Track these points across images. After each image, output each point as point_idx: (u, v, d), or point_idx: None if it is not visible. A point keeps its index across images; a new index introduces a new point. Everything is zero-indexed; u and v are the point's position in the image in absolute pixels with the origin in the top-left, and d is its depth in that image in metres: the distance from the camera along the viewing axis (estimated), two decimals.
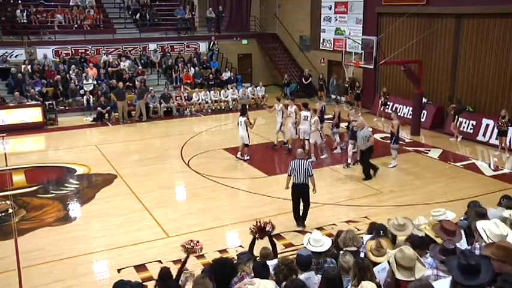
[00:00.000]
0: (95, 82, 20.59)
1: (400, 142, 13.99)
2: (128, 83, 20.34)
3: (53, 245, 9.00)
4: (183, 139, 16.28)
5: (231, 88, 21.81)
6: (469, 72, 16.76)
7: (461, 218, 6.16)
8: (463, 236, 5.18)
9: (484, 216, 5.62)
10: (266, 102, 21.83)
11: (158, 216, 10.21)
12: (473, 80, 16.63)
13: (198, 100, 20.91)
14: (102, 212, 10.51)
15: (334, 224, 9.68)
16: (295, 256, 4.93)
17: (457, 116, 16.14)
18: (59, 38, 22.05)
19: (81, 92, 20.09)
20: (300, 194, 9.54)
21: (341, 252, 5.11)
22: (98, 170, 13.31)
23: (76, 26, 22.86)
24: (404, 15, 17.29)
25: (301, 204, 9.67)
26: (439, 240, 4.97)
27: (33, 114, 18.07)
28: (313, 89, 23.56)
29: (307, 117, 13.61)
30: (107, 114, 19.15)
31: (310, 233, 5.63)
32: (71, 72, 20.71)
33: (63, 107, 19.65)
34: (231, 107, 21.10)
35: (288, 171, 9.51)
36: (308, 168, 9.32)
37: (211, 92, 21.36)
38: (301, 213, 9.70)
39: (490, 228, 4.58)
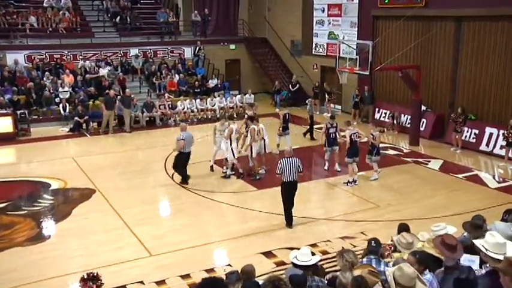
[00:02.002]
0: (72, 90, 20.52)
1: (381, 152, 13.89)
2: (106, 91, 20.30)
3: (25, 267, 8.88)
4: (167, 150, 16.18)
5: (218, 96, 21.87)
6: (470, 78, 16.98)
7: (464, 234, 6.21)
8: (477, 260, 5.19)
9: (480, 227, 5.71)
10: (255, 111, 21.88)
11: (140, 234, 10.15)
12: (475, 86, 16.85)
13: (183, 109, 20.93)
14: (79, 230, 10.42)
15: (328, 241, 9.71)
16: (283, 273, 4.98)
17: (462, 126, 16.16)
18: (32, 42, 21.99)
19: (57, 100, 20.01)
20: (293, 191, 10.22)
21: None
22: (74, 184, 13.22)
23: (51, 29, 22.82)
24: (401, 18, 17.51)
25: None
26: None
27: (3, 124, 17.86)
28: (302, 96, 23.74)
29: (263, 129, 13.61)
30: (84, 124, 19.08)
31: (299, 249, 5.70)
32: (45, 79, 20.65)
33: (36, 117, 19.54)
34: (218, 116, 21.14)
35: (277, 170, 10.15)
36: (299, 165, 10.14)
37: (197, 100, 21.40)
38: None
39: (486, 240, 4.68)
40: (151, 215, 11.37)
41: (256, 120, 13.96)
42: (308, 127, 17.86)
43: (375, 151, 13.22)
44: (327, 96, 21.93)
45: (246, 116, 15.12)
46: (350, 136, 12.80)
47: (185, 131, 13.29)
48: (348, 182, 12.96)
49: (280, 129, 15.60)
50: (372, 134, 13.24)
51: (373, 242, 5.79)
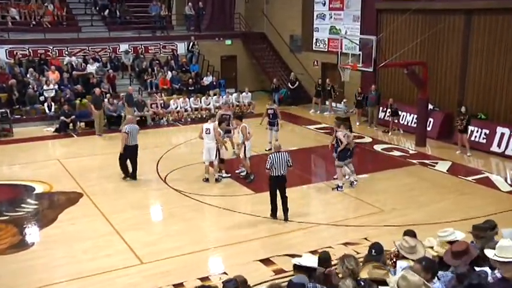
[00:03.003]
0: (57, 87, 20.49)
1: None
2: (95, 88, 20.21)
3: (7, 276, 8.83)
4: (159, 152, 16.23)
5: (214, 94, 21.87)
6: (480, 75, 17.02)
7: (472, 242, 6.20)
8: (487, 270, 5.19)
9: (485, 230, 5.74)
10: (253, 110, 21.98)
11: (130, 240, 10.12)
12: (485, 83, 16.89)
13: (176, 108, 20.93)
14: (65, 236, 10.39)
15: (330, 247, 9.67)
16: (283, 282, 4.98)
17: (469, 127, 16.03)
18: (14, 36, 21.95)
19: (41, 98, 20.00)
20: (279, 185, 10.83)
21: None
22: (60, 187, 13.18)
23: (34, 23, 22.82)
24: (407, 11, 17.56)
25: (280, 199, 10.89)
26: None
27: None
28: (303, 94, 23.77)
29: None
30: (71, 124, 19.05)
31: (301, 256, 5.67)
32: (28, 75, 20.63)
33: (19, 116, 19.53)
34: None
35: (267, 165, 10.73)
36: (288, 160, 10.80)
37: (191, 98, 21.40)
38: (282, 209, 10.93)
39: (497, 246, 4.71)
40: (142, 220, 11.34)
41: (240, 120, 14.01)
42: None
43: (348, 153, 12.75)
44: (333, 94, 21.85)
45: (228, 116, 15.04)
46: (343, 138, 12.52)
47: (131, 123, 13.68)
48: (338, 187, 12.80)
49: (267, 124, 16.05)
50: (337, 135, 12.83)
51: (373, 250, 5.72)
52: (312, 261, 5.39)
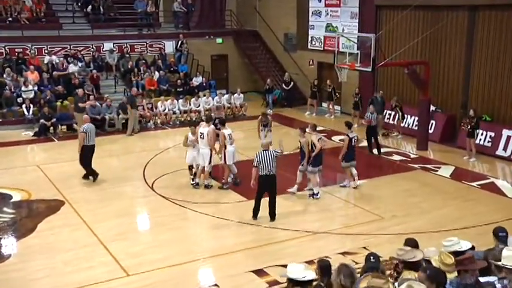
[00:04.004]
0: (36, 88, 20.44)
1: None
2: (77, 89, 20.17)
3: None
4: (146, 157, 16.21)
5: (204, 96, 21.87)
6: (485, 74, 17.13)
7: (478, 251, 6.22)
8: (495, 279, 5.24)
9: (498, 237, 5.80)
10: (245, 112, 21.99)
11: (115, 251, 10.10)
12: (490, 83, 17.00)
13: (163, 110, 20.91)
14: (44, 247, 10.33)
15: (327, 257, 9.68)
16: None
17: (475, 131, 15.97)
18: None
19: (19, 100, 19.93)
20: (269, 185, 11.17)
21: None
22: (40, 195, 13.13)
23: (10, 19, 22.75)
24: (408, 7, 17.62)
25: (269, 198, 11.30)
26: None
27: None
28: (297, 95, 23.83)
29: (231, 135, 13.45)
30: (51, 128, 18.99)
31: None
32: (5, 76, 20.58)
33: None
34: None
35: (254, 163, 11.13)
36: (276, 156, 11.24)
37: (180, 100, 21.40)
38: (269, 212, 11.32)
39: (504, 255, 4.75)
40: (128, 229, 11.31)
41: (223, 124, 13.97)
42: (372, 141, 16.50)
43: (311, 160, 12.61)
44: (334, 96, 21.75)
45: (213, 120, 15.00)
46: (318, 142, 12.51)
47: (88, 122, 14.12)
48: (313, 194, 12.77)
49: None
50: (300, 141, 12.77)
51: (372, 257, 5.81)
52: (299, 271, 5.37)
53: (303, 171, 12.83)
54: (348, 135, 13.32)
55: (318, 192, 12.77)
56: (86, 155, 13.88)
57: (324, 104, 22.60)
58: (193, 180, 13.62)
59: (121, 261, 9.69)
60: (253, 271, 9.22)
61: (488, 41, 16.92)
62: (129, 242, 10.59)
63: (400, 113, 18.60)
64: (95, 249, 10.24)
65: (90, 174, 13.98)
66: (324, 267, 5.60)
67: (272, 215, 11.39)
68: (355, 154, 13.41)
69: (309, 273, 5.44)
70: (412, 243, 6.18)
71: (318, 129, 16.00)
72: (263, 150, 11.25)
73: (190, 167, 13.70)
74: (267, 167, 11.07)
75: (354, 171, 13.42)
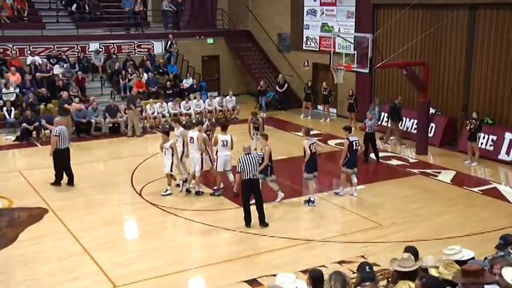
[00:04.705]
0: (18, 91, 20.35)
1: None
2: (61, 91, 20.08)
3: None
4: (134, 162, 16.17)
5: (195, 98, 21.85)
6: (486, 75, 17.22)
7: (484, 260, 6.22)
8: None
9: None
10: (238, 115, 21.99)
11: (102, 261, 10.06)
12: (492, 84, 17.08)
13: (152, 113, 20.88)
14: (27, 258, 10.26)
15: (323, 266, 9.67)
16: None
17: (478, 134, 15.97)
18: None
19: (0, 103, 19.82)
20: (251, 189, 11.41)
21: None
22: (22, 203, 13.05)
23: None
24: (406, 6, 17.70)
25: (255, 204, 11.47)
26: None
27: None
28: (292, 98, 23.86)
29: (227, 142, 13.37)
30: (34, 132, 18.91)
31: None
32: None
33: None
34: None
35: (238, 168, 11.43)
36: (258, 159, 11.69)
37: (169, 103, 21.38)
38: (258, 216, 11.41)
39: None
40: (115, 238, 11.26)
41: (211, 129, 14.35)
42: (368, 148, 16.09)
43: (269, 169, 12.60)
44: (330, 99, 21.71)
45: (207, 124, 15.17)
46: (309, 147, 12.48)
47: (60, 125, 14.10)
48: (309, 200, 12.78)
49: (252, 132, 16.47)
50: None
51: (367, 266, 5.76)
52: (290, 282, 5.36)
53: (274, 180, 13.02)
54: (348, 139, 13.19)
55: (315, 199, 12.77)
56: (60, 159, 13.91)
57: (320, 107, 22.61)
58: (178, 186, 13.65)
59: (108, 272, 9.63)
60: (246, 281, 9.20)
61: (489, 41, 17.02)
62: (116, 251, 10.55)
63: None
64: (81, 259, 10.19)
65: (59, 180, 14.04)
66: (315, 277, 5.54)
67: (261, 220, 11.42)
68: (357, 160, 13.34)
69: (300, 284, 5.42)
70: (411, 251, 6.18)
71: (313, 132, 16.10)
72: (245, 154, 11.48)
73: (170, 175, 13.61)
74: (251, 171, 11.34)
75: (355, 179, 13.26)
